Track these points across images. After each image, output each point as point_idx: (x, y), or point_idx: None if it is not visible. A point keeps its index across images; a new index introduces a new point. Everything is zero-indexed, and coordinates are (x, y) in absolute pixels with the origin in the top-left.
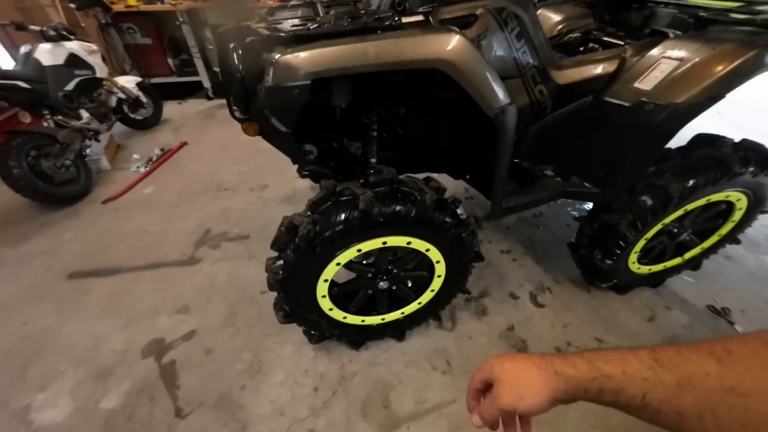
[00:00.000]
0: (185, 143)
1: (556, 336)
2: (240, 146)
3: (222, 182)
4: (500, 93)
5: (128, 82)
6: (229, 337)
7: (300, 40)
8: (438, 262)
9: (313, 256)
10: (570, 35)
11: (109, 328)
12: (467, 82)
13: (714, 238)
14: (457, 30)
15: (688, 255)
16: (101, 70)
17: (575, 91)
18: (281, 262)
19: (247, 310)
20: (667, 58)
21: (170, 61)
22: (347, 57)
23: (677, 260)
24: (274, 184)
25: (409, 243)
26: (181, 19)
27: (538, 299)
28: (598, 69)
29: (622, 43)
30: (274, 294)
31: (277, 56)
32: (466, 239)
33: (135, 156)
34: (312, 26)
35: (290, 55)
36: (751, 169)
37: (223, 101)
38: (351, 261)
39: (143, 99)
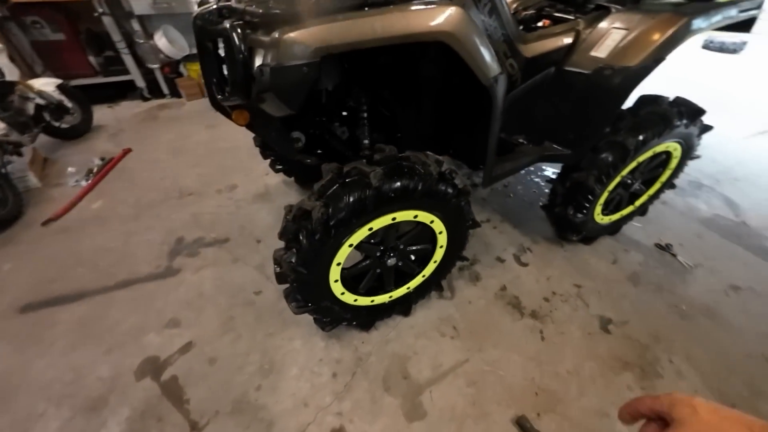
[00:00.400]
0: (129, 150)
1: (542, 288)
2: (195, 148)
3: (184, 187)
4: (494, 63)
5: (46, 85)
6: (231, 342)
7: (301, 16)
8: (441, 232)
9: (328, 239)
10: (525, 12)
11: (88, 357)
12: (467, 52)
13: (657, 185)
14: (457, 2)
15: (638, 202)
16: (10, 72)
17: (540, 63)
18: (294, 250)
19: (244, 313)
20: (616, 29)
21: (92, 59)
22: (356, 32)
23: (630, 208)
24: (244, 183)
25: (415, 216)
26: (100, 10)
27: (521, 259)
28: (558, 41)
29: (573, 17)
30: (270, 293)
31: (277, 34)
32: (464, 207)
33: (70, 169)
34: (312, 1)
35: (296, 32)
36: (684, 121)
37: (163, 101)
38: (361, 241)
39: (68, 104)
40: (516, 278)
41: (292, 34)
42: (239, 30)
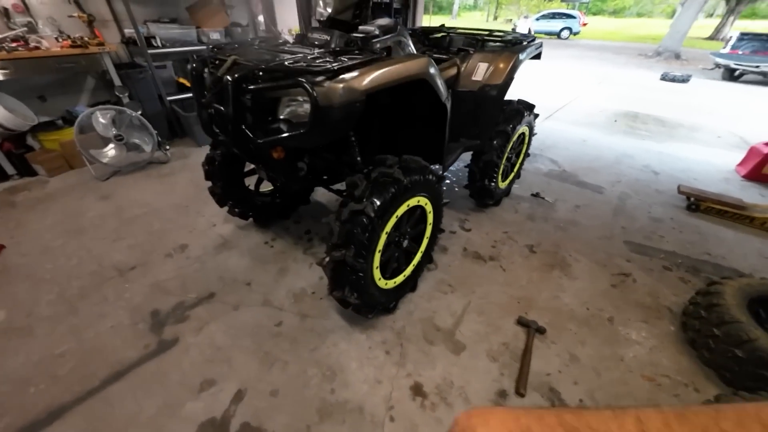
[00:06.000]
0: (1, 246)
1: (487, 241)
2: (100, 223)
3: (119, 263)
4: (444, 89)
5: None
6: (281, 370)
7: (343, 71)
8: (429, 212)
9: (376, 229)
10: None
11: None
12: (435, 84)
13: (522, 156)
14: (429, 55)
15: (516, 168)
16: None
17: None
18: (351, 247)
19: (277, 344)
20: (482, 63)
21: None
22: (381, 78)
23: (512, 174)
24: (193, 240)
25: (418, 201)
26: None
27: (465, 227)
28: (450, 72)
29: (448, 57)
30: (290, 319)
31: (329, 83)
32: (440, 190)
33: None
34: (346, 63)
35: (350, 81)
36: (527, 112)
37: (11, 184)
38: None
39: None
40: (468, 240)
41: (349, 82)
42: (309, 84)
